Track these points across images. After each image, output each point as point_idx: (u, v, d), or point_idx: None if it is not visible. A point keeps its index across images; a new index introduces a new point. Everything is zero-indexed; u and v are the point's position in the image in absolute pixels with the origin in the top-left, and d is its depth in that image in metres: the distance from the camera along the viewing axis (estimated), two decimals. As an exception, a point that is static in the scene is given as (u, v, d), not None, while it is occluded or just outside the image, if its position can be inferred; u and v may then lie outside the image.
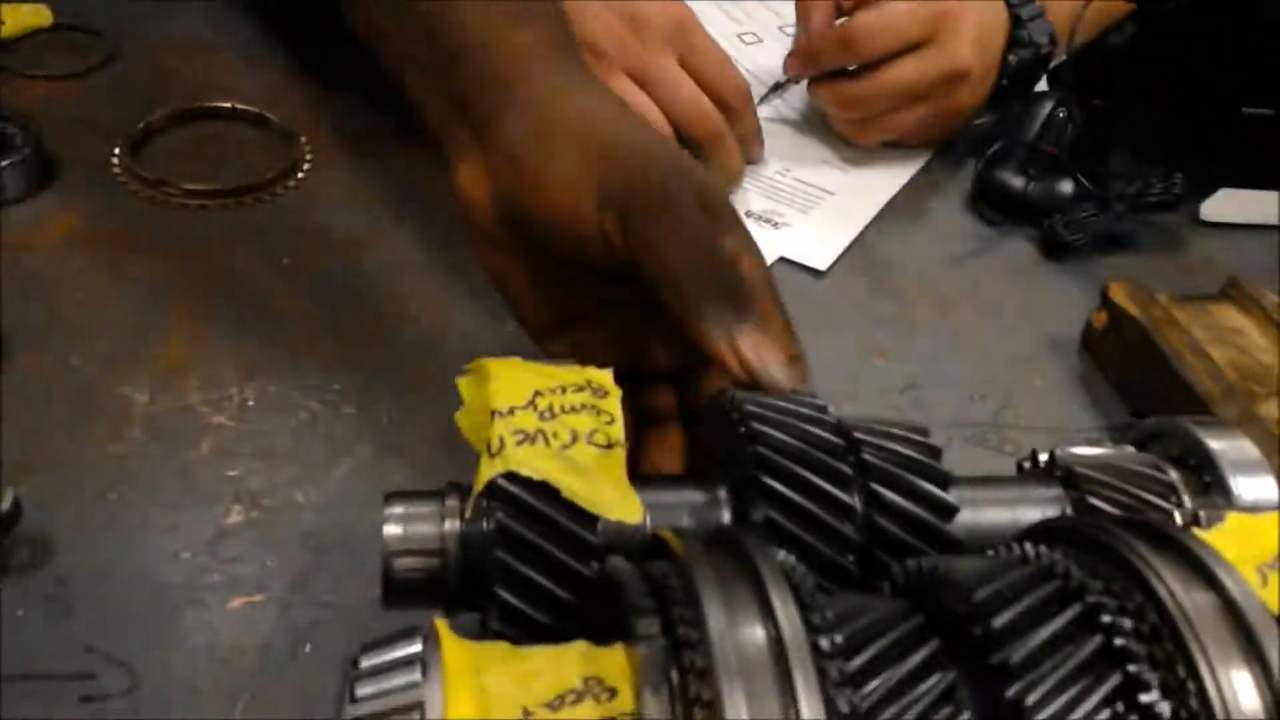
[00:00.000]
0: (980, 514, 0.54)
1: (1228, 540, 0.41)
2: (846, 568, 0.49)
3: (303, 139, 0.98)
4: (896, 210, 1.02)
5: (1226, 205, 1.05)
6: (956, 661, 0.39)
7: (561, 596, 0.43)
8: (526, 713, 0.37)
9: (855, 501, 0.50)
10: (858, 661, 0.38)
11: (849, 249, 0.96)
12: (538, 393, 0.46)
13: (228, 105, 1.00)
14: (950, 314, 0.91)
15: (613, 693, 0.38)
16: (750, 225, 0.98)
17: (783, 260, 0.93)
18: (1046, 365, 0.86)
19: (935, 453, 0.53)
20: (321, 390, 0.74)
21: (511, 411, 0.45)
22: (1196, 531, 0.42)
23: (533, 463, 0.43)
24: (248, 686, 0.56)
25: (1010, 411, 0.81)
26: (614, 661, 0.39)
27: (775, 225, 0.96)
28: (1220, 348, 0.80)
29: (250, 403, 0.72)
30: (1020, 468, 0.60)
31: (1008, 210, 1.01)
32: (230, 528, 0.64)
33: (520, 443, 0.44)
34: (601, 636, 0.40)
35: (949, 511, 0.50)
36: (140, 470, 0.67)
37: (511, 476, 0.44)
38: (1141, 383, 0.78)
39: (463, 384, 0.49)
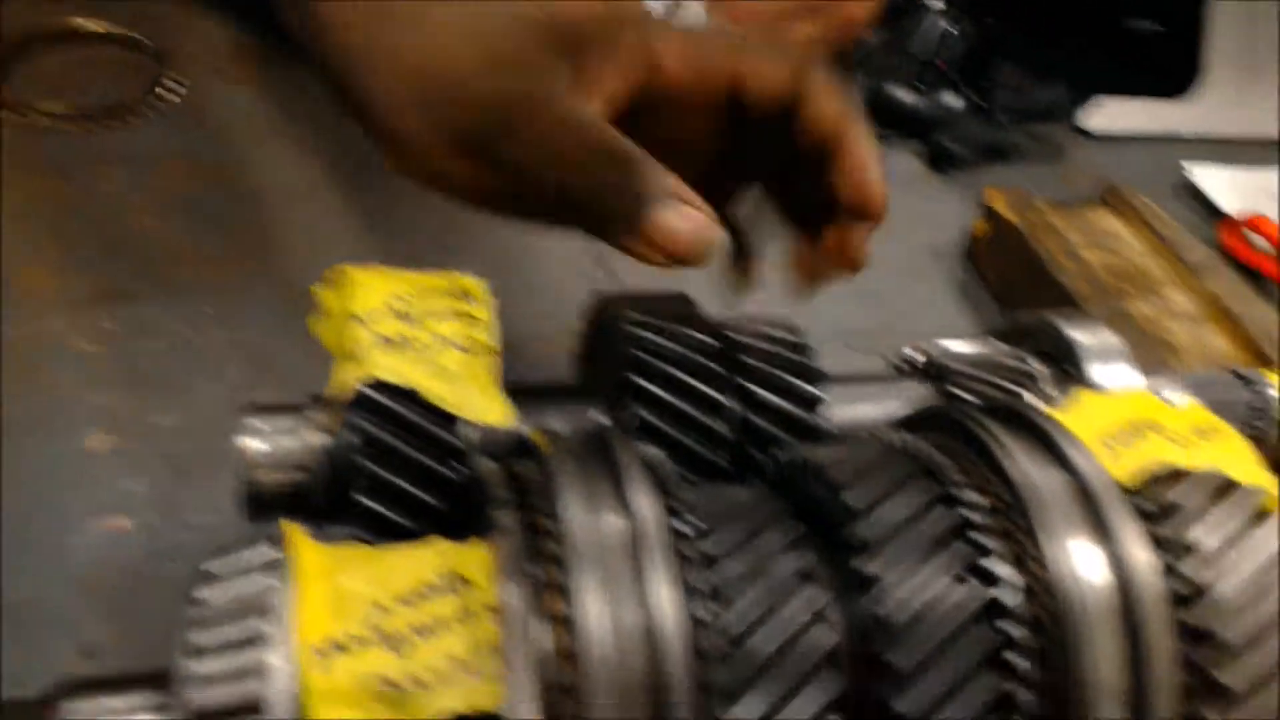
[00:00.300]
0: (854, 410, 0.55)
1: (1078, 418, 0.42)
2: (720, 464, 0.49)
3: (172, 61, 0.94)
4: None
5: (1107, 115, 1.07)
6: (817, 542, 0.40)
7: (426, 500, 0.43)
8: (382, 608, 0.37)
9: (727, 399, 0.50)
10: (717, 545, 0.38)
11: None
12: (399, 297, 0.45)
13: (96, 28, 0.95)
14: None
15: (472, 586, 0.38)
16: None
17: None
18: (932, 274, 0.87)
19: (806, 350, 0.53)
20: (190, 314, 0.71)
21: (372, 316, 0.44)
22: (1049, 411, 0.43)
23: (395, 368, 0.43)
24: (111, 609, 0.55)
25: (896, 320, 0.83)
26: (474, 556, 0.39)
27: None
28: (1095, 251, 0.82)
29: (115, 328, 0.69)
30: (894, 366, 0.61)
31: (896, 124, 1.02)
32: (94, 453, 0.62)
33: (381, 348, 0.43)
34: (465, 536, 0.40)
35: (816, 404, 0.51)
36: (2, 397, 0.65)
37: (373, 383, 0.43)
38: (1019, 287, 0.80)
39: (323, 292, 0.47)
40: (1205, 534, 0.37)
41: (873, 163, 0.49)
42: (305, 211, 0.81)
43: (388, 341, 0.43)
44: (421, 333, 0.44)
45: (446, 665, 0.35)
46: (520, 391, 0.54)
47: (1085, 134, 1.06)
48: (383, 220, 0.77)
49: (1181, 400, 0.44)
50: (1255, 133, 1.09)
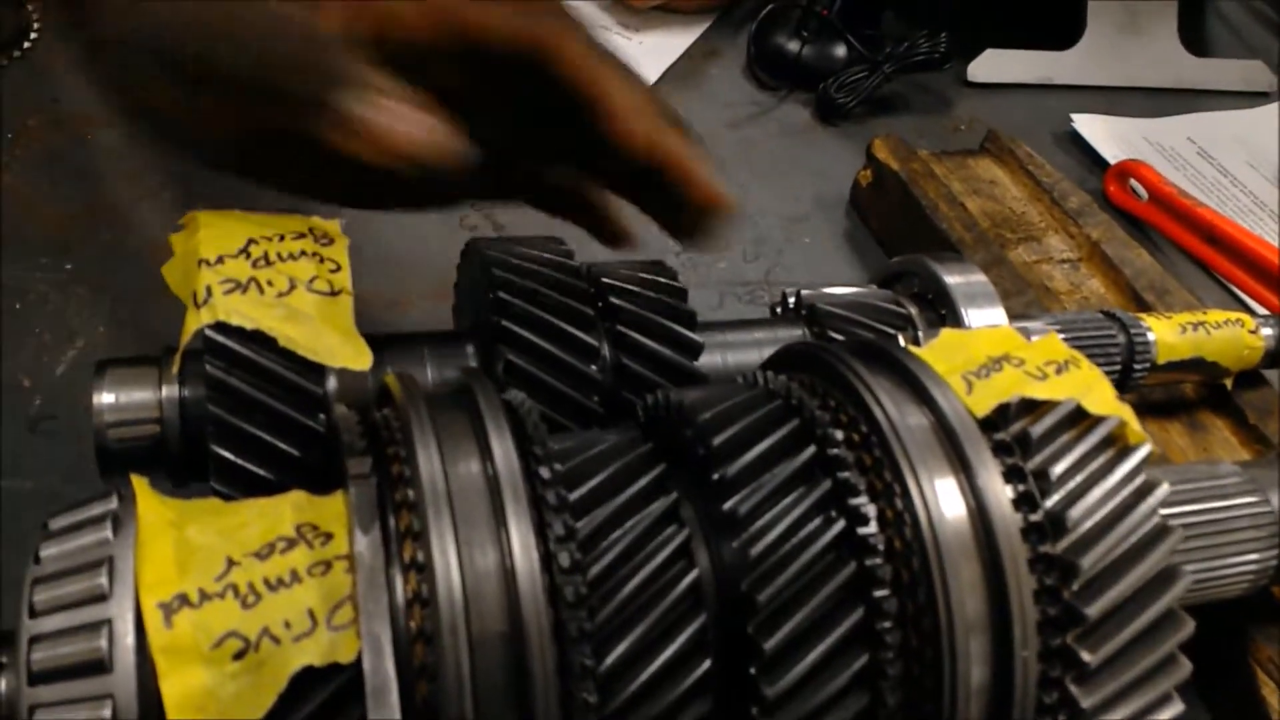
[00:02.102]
0: (730, 355, 0.55)
1: (939, 354, 0.43)
2: (592, 408, 0.48)
3: (30, 5, 0.89)
4: (675, 77, 1.01)
5: (992, 66, 1.08)
6: (686, 485, 0.40)
7: (285, 450, 0.42)
8: (231, 562, 0.35)
9: (599, 343, 0.49)
10: (581, 489, 0.38)
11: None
12: (252, 240, 0.44)
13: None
14: (727, 178, 0.91)
15: (328, 537, 0.36)
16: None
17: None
18: (817, 224, 0.88)
19: (681, 294, 0.53)
20: (50, 270, 0.68)
21: (221, 260, 0.43)
22: (911, 348, 0.43)
23: (244, 311, 0.41)
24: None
25: (781, 269, 0.83)
26: (331, 508, 0.37)
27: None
28: (975, 198, 0.83)
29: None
30: (773, 311, 0.61)
31: (783, 74, 1.02)
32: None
33: (229, 291, 0.42)
34: (327, 488, 0.39)
35: (694, 349, 0.51)
36: None
37: (222, 328, 0.41)
38: (902, 234, 0.81)
39: (174, 238, 0.45)
40: (1059, 464, 0.38)
41: (632, 105, 0.47)
42: (167, 161, 0.78)
43: (237, 285, 0.41)
44: (274, 275, 0.42)
45: (299, 619, 0.34)
46: (398, 340, 0.53)
47: (971, 84, 1.07)
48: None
49: (1041, 335, 0.45)
50: (1138, 81, 1.12)
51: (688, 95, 1.00)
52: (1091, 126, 1.03)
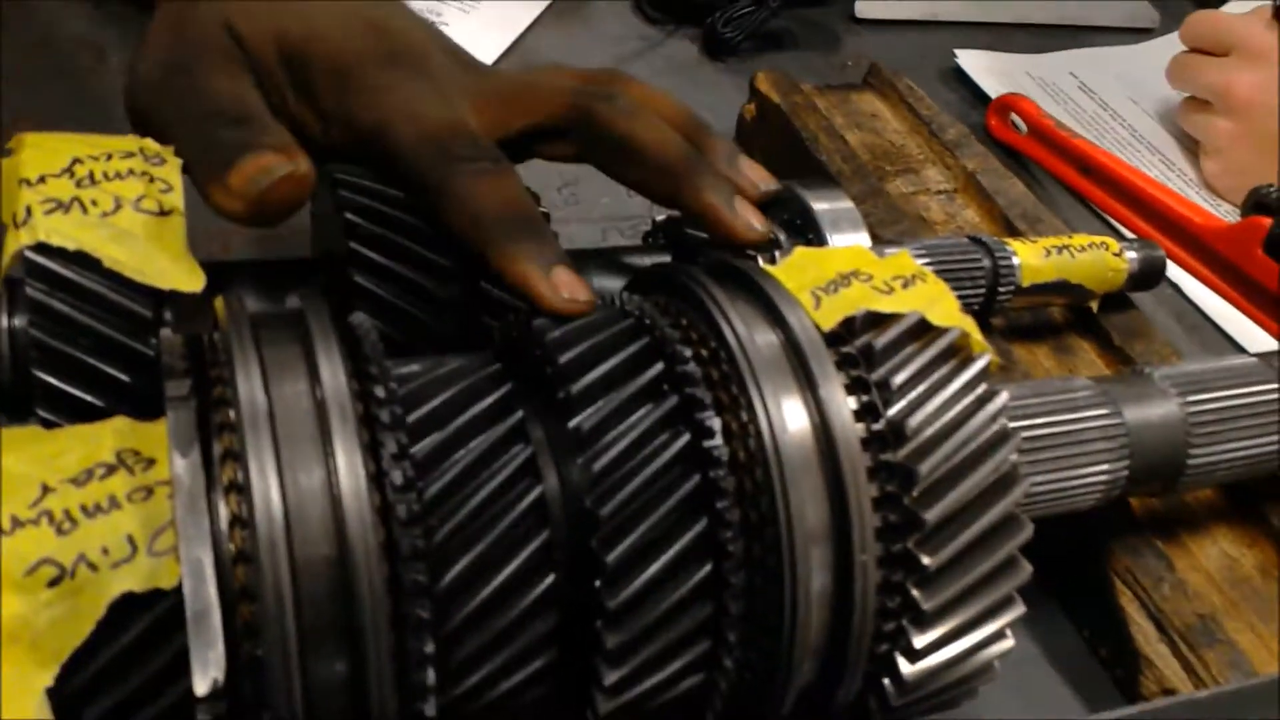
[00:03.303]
0: (597, 281, 0.54)
1: (790, 272, 0.42)
2: (447, 333, 0.47)
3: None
4: (559, 10, 0.99)
5: (879, 3, 1.08)
6: (535, 406, 0.39)
7: (113, 374, 0.40)
8: (46, 489, 0.34)
9: (453, 264, 0.48)
10: (422, 410, 0.37)
11: (510, 50, 0.93)
12: (77, 160, 0.41)
13: None
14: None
15: (150, 463, 0.35)
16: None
17: (439, 61, 0.89)
18: (703, 159, 0.87)
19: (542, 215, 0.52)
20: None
21: (43, 180, 0.40)
22: (765, 266, 0.43)
23: (66, 231, 0.39)
24: None
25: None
26: (155, 433, 0.36)
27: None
28: (856, 132, 0.83)
29: None
30: (644, 240, 0.61)
31: (670, 9, 1.01)
32: None
33: (50, 211, 0.39)
34: (158, 415, 0.37)
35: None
36: None
37: (43, 249, 0.39)
38: (784, 167, 0.80)
39: (2, 163, 0.43)
40: (900, 374, 0.38)
41: (670, 158, 0.52)
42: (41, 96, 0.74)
43: (59, 205, 0.39)
44: (99, 194, 0.40)
45: (117, 544, 0.33)
46: (244, 266, 0.51)
47: (859, 20, 1.07)
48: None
49: (892, 252, 0.45)
50: (1023, 18, 1.13)
51: (573, 28, 0.98)
52: (975, 61, 1.04)
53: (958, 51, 1.04)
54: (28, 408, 0.44)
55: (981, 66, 1.03)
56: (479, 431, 0.37)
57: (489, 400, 0.38)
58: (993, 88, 1.00)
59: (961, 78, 1.04)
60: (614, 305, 0.43)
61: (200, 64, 0.49)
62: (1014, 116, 0.94)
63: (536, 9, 0.97)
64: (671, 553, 0.36)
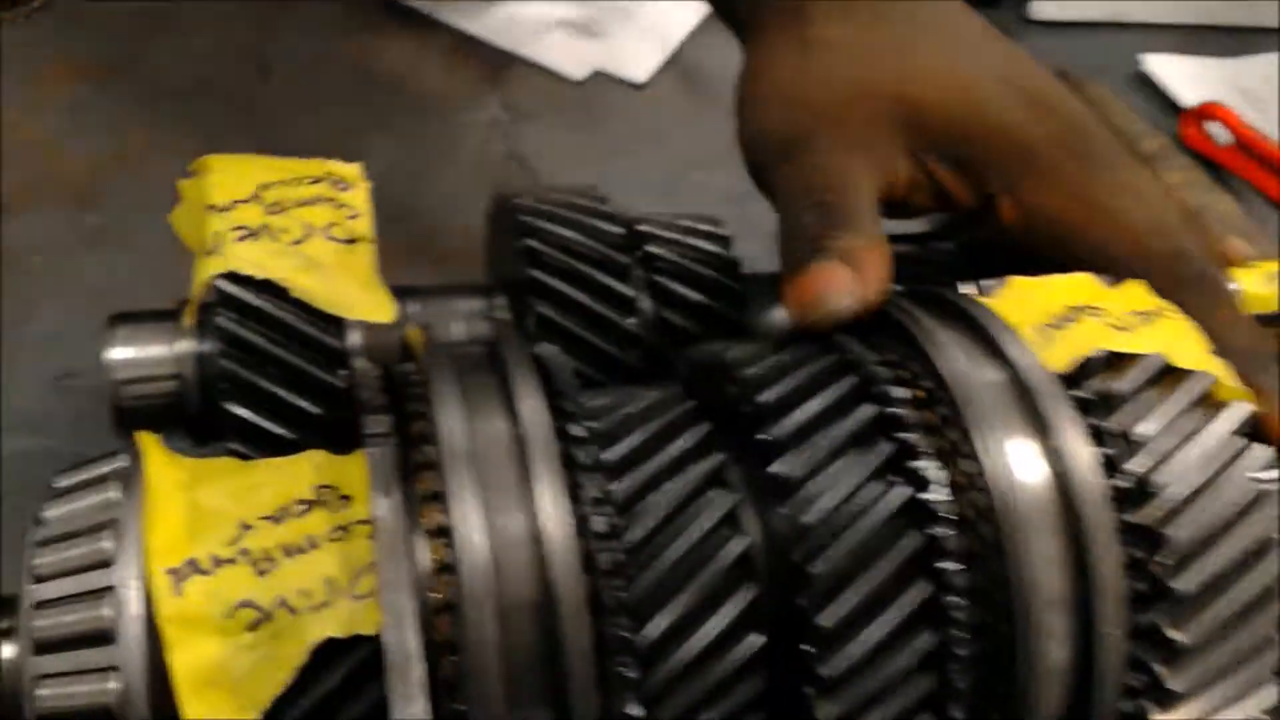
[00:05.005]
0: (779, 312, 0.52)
1: (1010, 304, 0.39)
2: (630, 363, 0.45)
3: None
4: (716, 21, 0.96)
5: (1056, 2, 1.03)
6: (730, 445, 0.37)
7: (303, 407, 0.39)
8: (245, 526, 0.33)
9: (636, 294, 0.46)
10: (618, 449, 0.35)
11: (668, 61, 0.91)
12: (265, 185, 0.41)
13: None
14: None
15: (346, 499, 0.34)
16: (564, 35, 0.94)
17: (599, 74, 0.88)
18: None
19: (724, 242, 0.49)
20: (72, 223, 0.66)
21: (232, 206, 0.40)
22: (979, 298, 0.39)
23: (256, 259, 0.38)
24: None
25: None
26: (353, 468, 0.35)
27: (592, 35, 0.90)
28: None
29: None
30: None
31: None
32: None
33: (241, 239, 0.39)
34: (350, 447, 0.36)
35: (737, 299, 0.47)
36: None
37: (234, 278, 0.39)
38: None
39: (184, 185, 0.43)
40: (1148, 425, 0.34)
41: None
42: (202, 110, 0.76)
43: (249, 232, 0.39)
44: (288, 221, 0.39)
45: (317, 587, 0.32)
46: (426, 292, 0.50)
47: (1034, 22, 1.02)
48: (287, 120, 0.72)
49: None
50: (1215, 19, 1.05)
51: (729, 39, 0.95)
52: (1164, 67, 0.97)
53: (1145, 56, 0.98)
54: (213, 434, 0.44)
55: (1172, 71, 0.97)
56: (678, 474, 0.35)
57: (686, 440, 0.36)
58: (1185, 95, 0.93)
59: (1147, 83, 0.97)
60: (812, 339, 0.41)
61: (816, 136, 0.46)
62: (1211, 126, 0.87)
63: (695, 17, 0.95)
64: (891, 618, 0.33)
